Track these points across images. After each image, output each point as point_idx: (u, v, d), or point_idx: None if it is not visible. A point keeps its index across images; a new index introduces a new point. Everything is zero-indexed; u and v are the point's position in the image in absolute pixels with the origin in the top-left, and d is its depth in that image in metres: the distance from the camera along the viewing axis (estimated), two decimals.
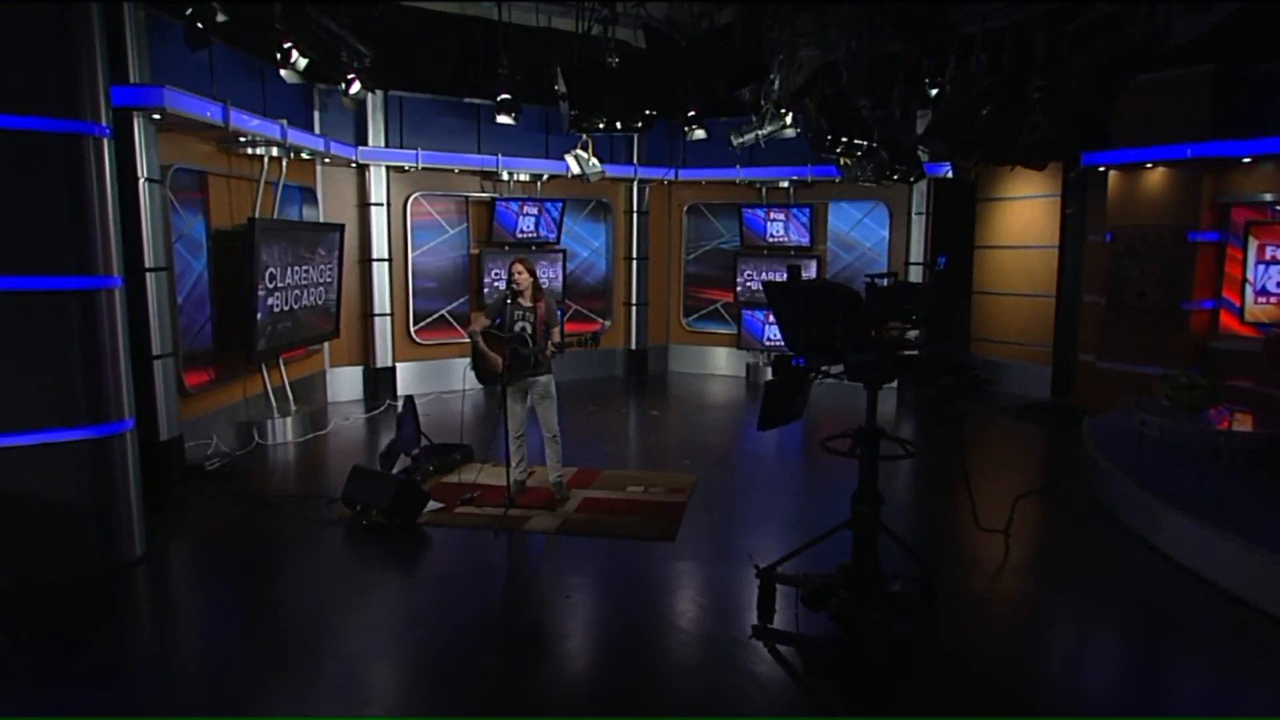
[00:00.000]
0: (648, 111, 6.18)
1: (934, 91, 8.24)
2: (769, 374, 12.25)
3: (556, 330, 6.44)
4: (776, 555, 4.87)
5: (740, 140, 9.47)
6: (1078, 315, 10.71)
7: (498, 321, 6.49)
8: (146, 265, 6.75)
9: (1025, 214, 11.65)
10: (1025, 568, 5.77)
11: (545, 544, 6.00)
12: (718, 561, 5.69)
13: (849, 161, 8.66)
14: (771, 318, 12.47)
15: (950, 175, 10.42)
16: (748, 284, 12.88)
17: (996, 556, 5.80)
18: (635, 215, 13.03)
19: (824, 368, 4.53)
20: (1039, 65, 6.31)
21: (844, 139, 6.91)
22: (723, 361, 13.49)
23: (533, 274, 6.48)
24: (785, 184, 12.54)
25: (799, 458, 8.70)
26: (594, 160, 10.69)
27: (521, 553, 5.89)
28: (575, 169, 10.73)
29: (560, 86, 6.38)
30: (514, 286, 6.41)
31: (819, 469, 7.98)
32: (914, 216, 11.95)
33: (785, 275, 4.65)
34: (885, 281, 4.50)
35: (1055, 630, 4.93)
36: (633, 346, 13.36)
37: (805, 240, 12.54)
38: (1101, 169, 9.74)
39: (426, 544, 6.03)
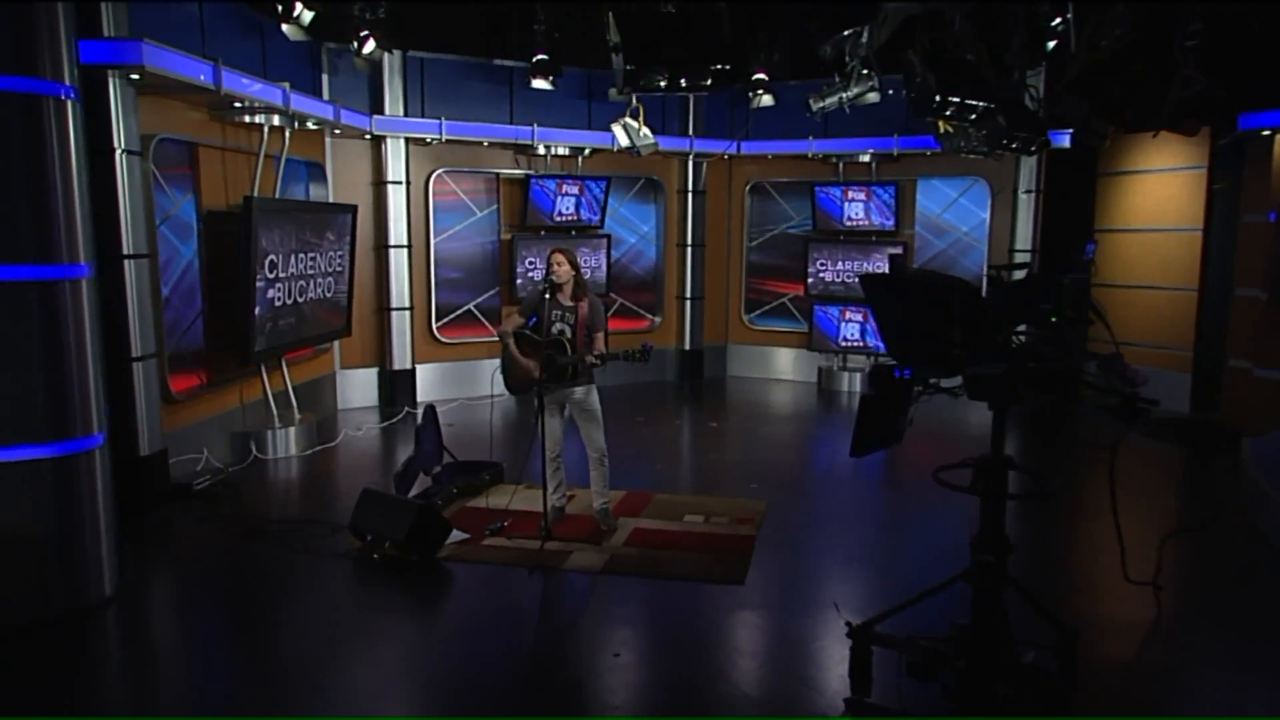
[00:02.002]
0: (718, 66, 5.78)
1: (1051, 44, 7.74)
2: (846, 380, 12.14)
3: (601, 336, 6.23)
4: (870, 607, 4.56)
5: (821, 104, 9.04)
6: (1227, 313, 10.11)
7: (533, 321, 6.28)
8: (125, 251, 6.67)
9: (1160, 190, 11.04)
10: (1185, 629, 5.30)
11: (589, 586, 5.74)
12: (797, 612, 5.34)
13: (951, 129, 8.16)
14: (848, 314, 12.11)
15: (1071, 145, 9.83)
16: (820, 275, 12.52)
17: (1146, 614, 5.32)
18: (690, 195, 12.78)
19: (933, 380, 4.11)
20: (1198, 5, 5.76)
21: (955, 99, 6.42)
22: (790, 365, 13.19)
23: (575, 267, 6.26)
24: (866, 158, 12.11)
25: (887, 481, 8.25)
26: (645, 130, 10.34)
27: (560, 596, 5.69)
28: (624, 140, 10.40)
29: (612, 36, 6.02)
30: (552, 279, 6.18)
31: (913, 497, 7.56)
32: (1021, 195, 11.40)
33: (886, 266, 4.26)
34: (1012, 274, 4.07)
35: (1229, 711, 4.43)
36: (686, 347, 13.15)
37: (889, 223, 12.06)
38: (1266, 133, 9.08)
39: (448, 583, 5.87)
